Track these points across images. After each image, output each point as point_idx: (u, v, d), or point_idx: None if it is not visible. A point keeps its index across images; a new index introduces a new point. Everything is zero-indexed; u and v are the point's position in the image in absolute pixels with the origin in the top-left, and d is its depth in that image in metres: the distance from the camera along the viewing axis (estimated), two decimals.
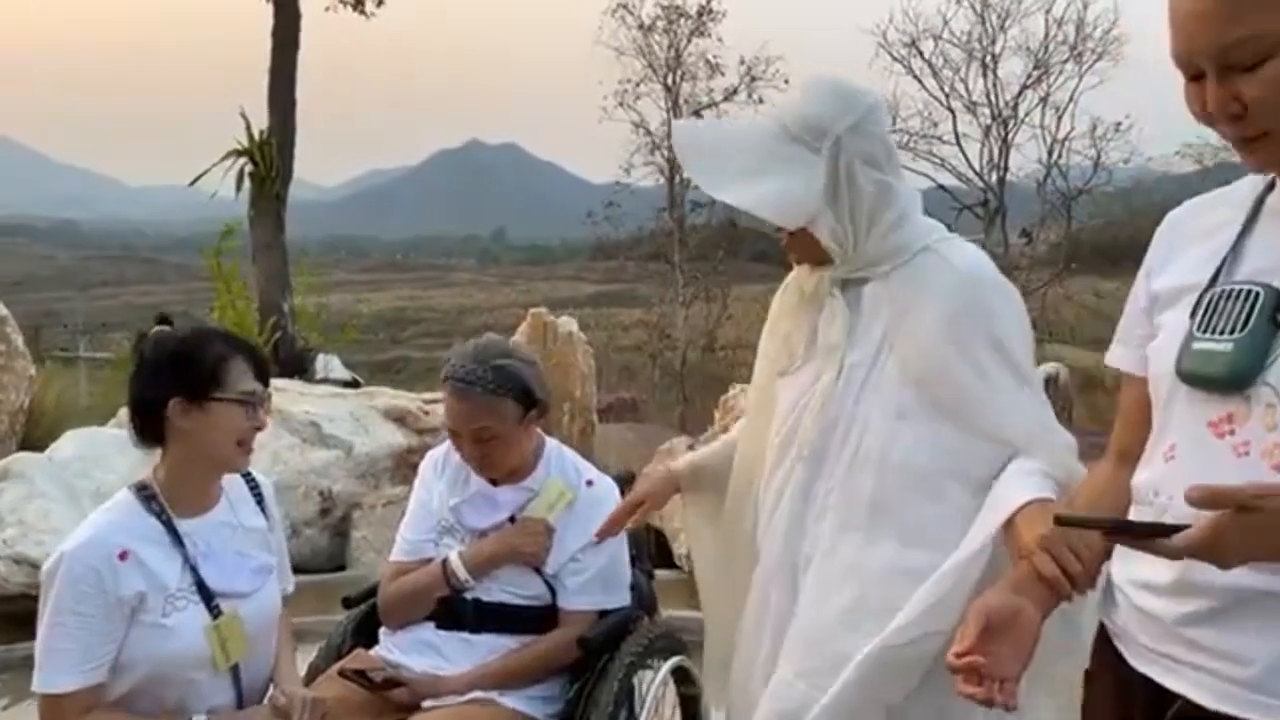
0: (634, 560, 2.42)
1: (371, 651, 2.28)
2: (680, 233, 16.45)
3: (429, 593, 2.25)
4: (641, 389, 13.79)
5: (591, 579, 2.27)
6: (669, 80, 16.30)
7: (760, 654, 1.89)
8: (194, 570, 1.95)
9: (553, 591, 2.27)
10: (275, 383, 6.31)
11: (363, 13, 10.11)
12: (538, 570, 2.26)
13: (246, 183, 8.03)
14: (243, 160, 7.99)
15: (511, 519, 2.31)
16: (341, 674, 2.13)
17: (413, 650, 2.24)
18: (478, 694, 2.14)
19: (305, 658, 2.30)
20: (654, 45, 16.24)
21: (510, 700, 2.16)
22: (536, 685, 2.22)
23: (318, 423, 5.50)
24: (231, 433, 1.94)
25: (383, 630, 2.33)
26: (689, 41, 16.05)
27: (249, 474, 2.14)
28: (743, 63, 16.47)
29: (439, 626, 2.25)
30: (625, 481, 2.50)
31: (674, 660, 2.36)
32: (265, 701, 2.01)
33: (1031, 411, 1.73)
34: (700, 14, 16.02)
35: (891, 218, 1.77)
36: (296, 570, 2.33)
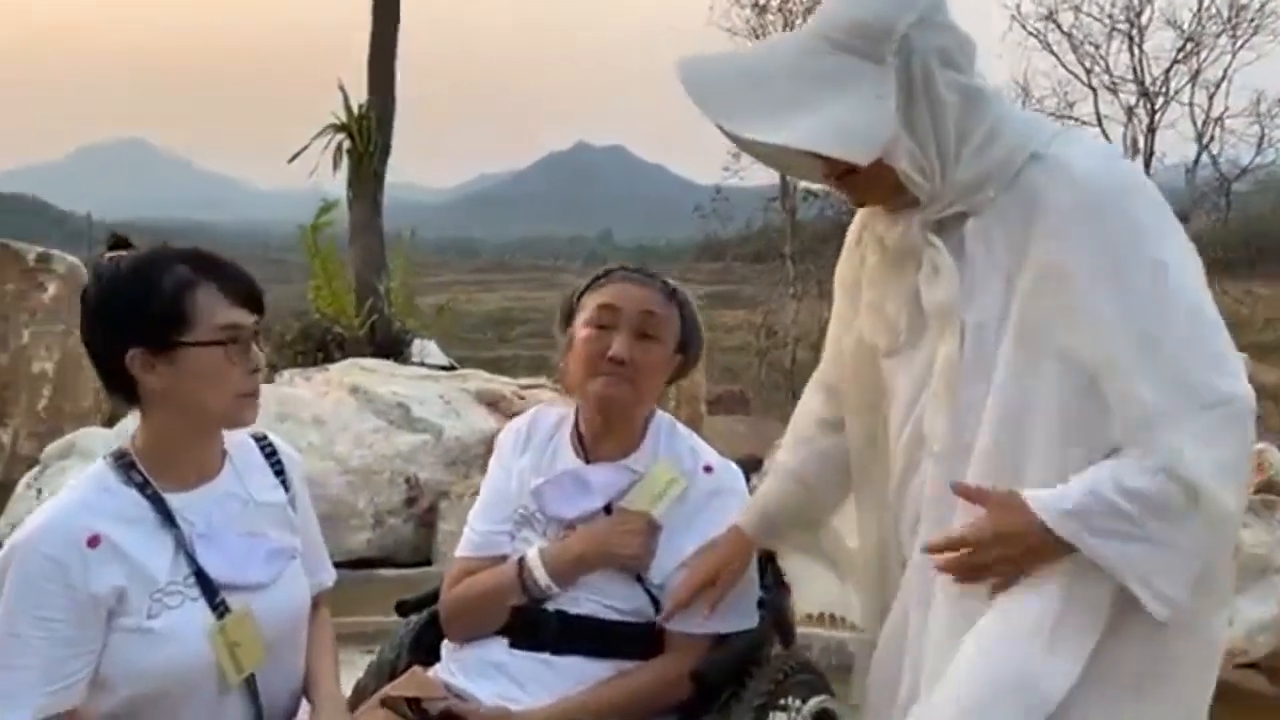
0: (762, 570, 1.87)
1: (430, 671, 1.79)
2: (792, 223, 15.78)
3: (501, 600, 1.76)
4: (748, 387, 13.26)
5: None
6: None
7: (900, 691, 1.52)
8: (190, 557, 1.49)
9: (657, 606, 1.75)
10: (362, 362, 6.05)
11: None
12: (639, 578, 1.74)
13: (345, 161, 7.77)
14: (340, 136, 7.76)
15: (607, 509, 1.79)
16: (385, 703, 1.65)
17: (479, 673, 1.74)
18: None
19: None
20: (768, 26, 15.59)
21: None
22: None
23: (406, 404, 5.13)
24: (218, 383, 1.47)
25: (445, 645, 1.84)
26: (804, 20, 15.35)
27: (264, 437, 1.67)
28: None
29: (513, 644, 1.75)
30: (750, 468, 1.95)
31: (817, 701, 1.81)
32: None
33: (1199, 368, 1.29)
34: None
35: (984, 130, 1.39)
36: (378, 564, 1.88)
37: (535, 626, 1.74)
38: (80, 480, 1.51)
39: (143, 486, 1.49)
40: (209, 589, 1.49)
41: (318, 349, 6.96)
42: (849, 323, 1.63)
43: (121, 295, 1.45)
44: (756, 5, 15.74)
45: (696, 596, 1.69)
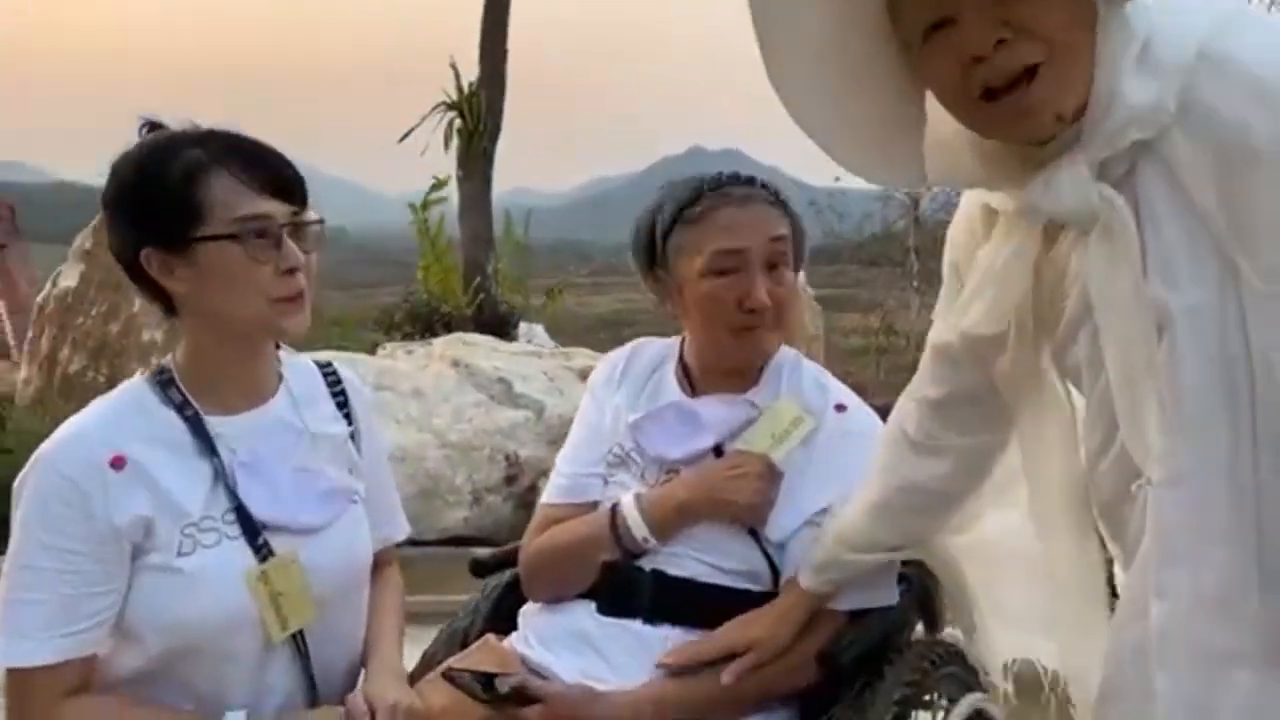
0: None
1: (506, 642, 1.51)
2: (915, 211, 15.12)
3: (589, 553, 1.48)
4: (868, 383, 12.72)
5: None
6: None
7: None
8: (230, 490, 1.26)
9: (776, 571, 1.42)
10: (465, 337, 5.86)
11: None
12: (754, 534, 1.43)
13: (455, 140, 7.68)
14: (451, 114, 7.66)
15: (718, 451, 1.48)
16: (448, 676, 1.37)
17: (560, 644, 1.46)
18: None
19: None
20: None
21: None
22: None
23: (508, 380, 4.91)
24: (243, 286, 1.21)
25: (523, 611, 1.56)
26: None
27: (328, 364, 1.42)
28: None
29: (601, 610, 1.46)
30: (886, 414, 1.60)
31: (971, 701, 1.46)
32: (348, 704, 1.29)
33: None
34: None
35: (1142, 30, 0.97)
36: (474, 542, 1.64)
37: (628, 589, 1.45)
38: (112, 395, 1.29)
39: (181, 407, 1.26)
40: (250, 528, 1.25)
41: (425, 329, 6.85)
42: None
43: (129, 187, 1.23)
44: None
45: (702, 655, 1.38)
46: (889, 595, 1.47)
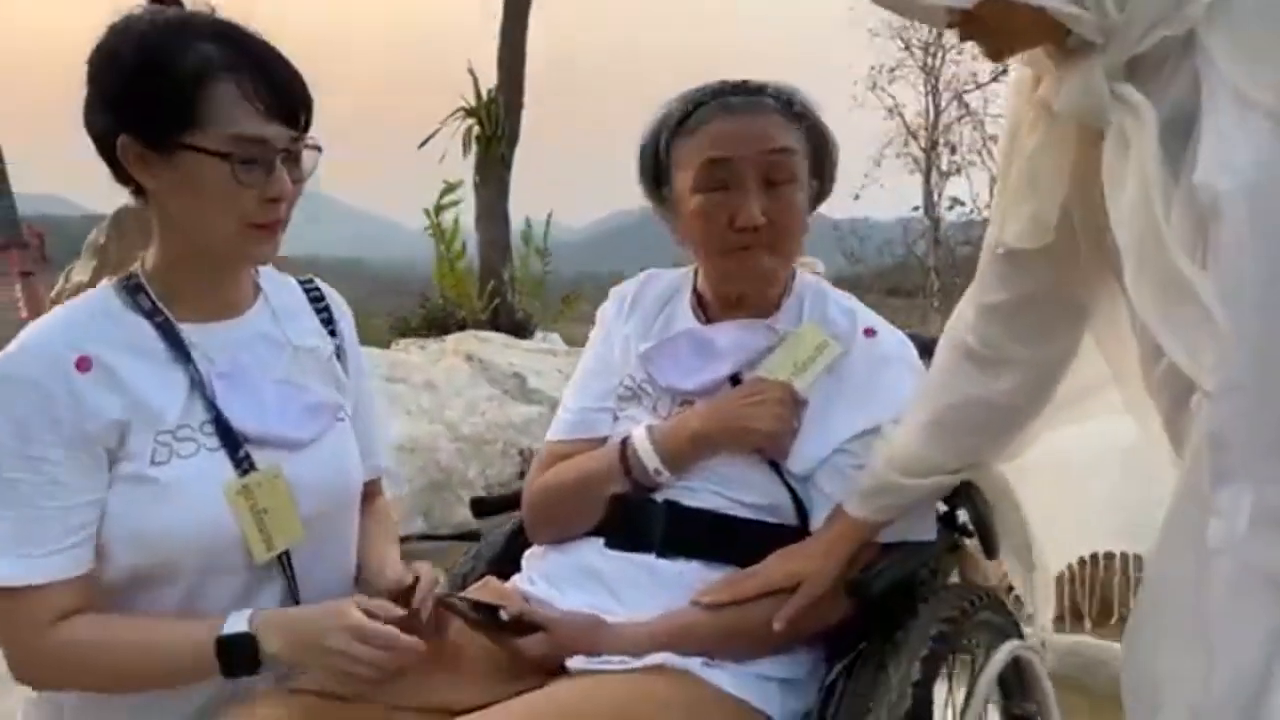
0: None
1: (508, 584, 1.40)
2: (935, 233, 15.00)
3: (597, 488, 1.37)
4: None
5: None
6: (927, 63, 14.84)
7: None
8: (208, 400, 1.17)
9: (799, 504, 1.32)
10: (479, 334, 5.79)
11: None
12: (775, 465, 1.32)
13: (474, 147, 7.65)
14: (470, 121, 7.63)
15: (735, 380, 1.38)
16: (444, 604, 1.27)
17: (565, 580, 1.35)
18: (663, 659, 1.21)
19: None
20: (912, 24, 14.95)
21: (719, 677, 1.22)
22: (767, 659, 1.27)
23: (522, 375, 4.82)
24: (220, 205, 1.12)
25: (527, 555, 1.46)
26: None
27: (309, 280, 1.34)
28: None
29: (610, 544, 1.36)
30: (921, 349, 1.50)
31: (1010, 649, 1.35)
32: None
33: None
34: None
35: None
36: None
37: (639, 520, 1.34)
38: (75, 301, 1.20)
39: (151, 313, 1.17)
40: (230, 440, 1.16)
41: (441, 333, 6.78)
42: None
43: (126, 66, 1.11)
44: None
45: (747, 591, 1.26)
46: (926, 530, 1.36)
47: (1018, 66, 1.10)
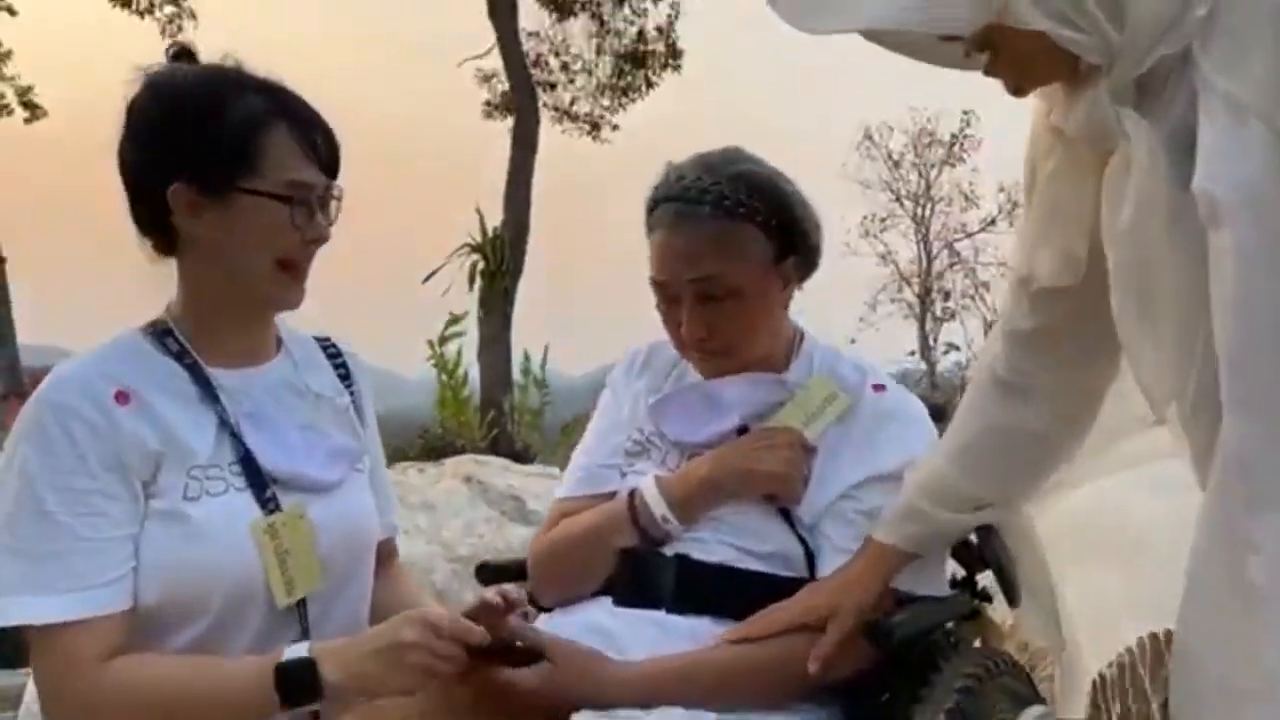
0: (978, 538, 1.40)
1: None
2: (931, 377, 15.15)
3: (605, 541, 1.35)
4: None
5: None
6: (918, 213, 15.36)
7: None
8: (236, 439, 1.17)
9: (810, 556, 1.30)
10: (478, 457, 5.75)
11: (596, 138, 10.33)
12: (785, 514, 1.30)
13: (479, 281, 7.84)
14: (475, 257, 7.83)
15: (743, 432, 1.38)
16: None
17: (574, 639, 1.30)
18: (674, 713, 1.16)
19: None
20: (903, 177, 15.53)
21: None
22: (782, 713, 1.22)
23: (521, 498, 4.76)
24: (266, 242, 1.16)
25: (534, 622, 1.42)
26: (940, 171, 15.20)
27: (327, 338, 1.36)
28: (1002, 190, 15.27)
29: (618, 602, 1.32)
30: (933, 415, 1.49)
31: (1037, 711, 1.30)
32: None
33: None
34: (953, 143, 15.16)
35: None
36: None
37: (648, 576, 1.31)
38: (105, 343, 1.21)
39: (180, 355, 1.19)
40: (257, 480, 1.17)
41: (439, 459, 6.75)
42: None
43: (182, 114, 1.15)
44: (890, 158, 15.74)
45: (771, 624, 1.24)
46: (936, 585, 1.33)
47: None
